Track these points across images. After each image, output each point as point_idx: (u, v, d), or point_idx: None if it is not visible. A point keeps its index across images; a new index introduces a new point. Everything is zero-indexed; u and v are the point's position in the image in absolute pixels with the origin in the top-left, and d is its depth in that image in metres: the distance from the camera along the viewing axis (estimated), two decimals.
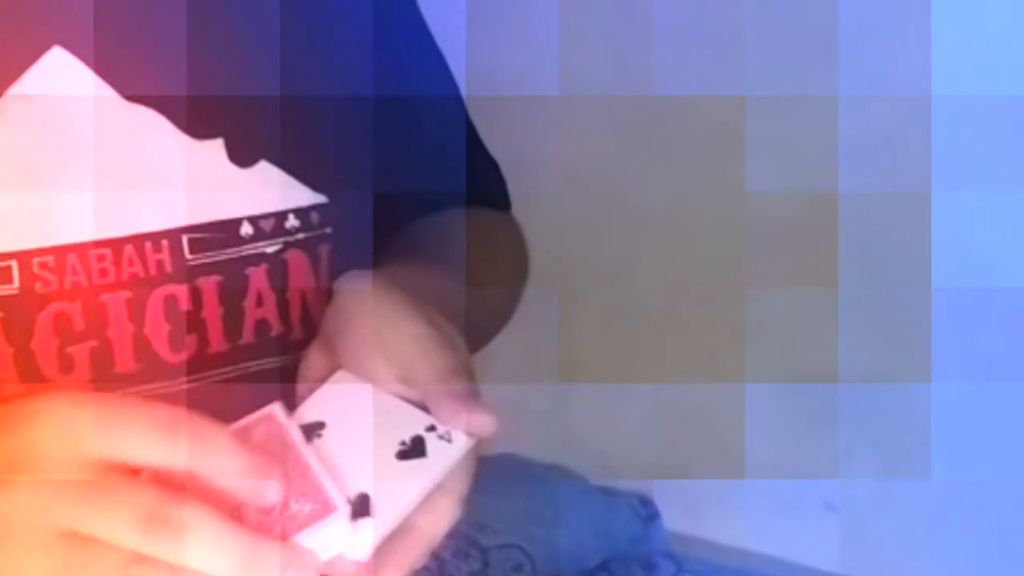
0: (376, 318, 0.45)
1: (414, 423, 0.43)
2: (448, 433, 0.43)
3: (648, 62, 1.52)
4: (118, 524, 0.36)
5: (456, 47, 0.69)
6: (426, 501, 0.42)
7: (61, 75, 0.47)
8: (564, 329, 1.58)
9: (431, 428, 0.43)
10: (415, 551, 0.41)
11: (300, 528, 0.40)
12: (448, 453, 0.42)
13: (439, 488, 0.42)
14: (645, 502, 1.56)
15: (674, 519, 1.59)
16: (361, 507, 0.41)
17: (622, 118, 1.58)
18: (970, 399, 1.40)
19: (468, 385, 0.43)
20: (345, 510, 0.40)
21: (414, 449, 0.43)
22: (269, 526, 0.40)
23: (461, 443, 0.43)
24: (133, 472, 0.38)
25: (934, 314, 1.40)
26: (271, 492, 0.39)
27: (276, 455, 0.41)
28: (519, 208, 0.86)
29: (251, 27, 0.53)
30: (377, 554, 0.40)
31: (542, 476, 1.57)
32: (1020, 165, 1.32)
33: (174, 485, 0.38)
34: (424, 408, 0.43)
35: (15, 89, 0.46)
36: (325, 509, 0.40)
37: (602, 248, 1.62)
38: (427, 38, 0.66)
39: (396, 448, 0.42)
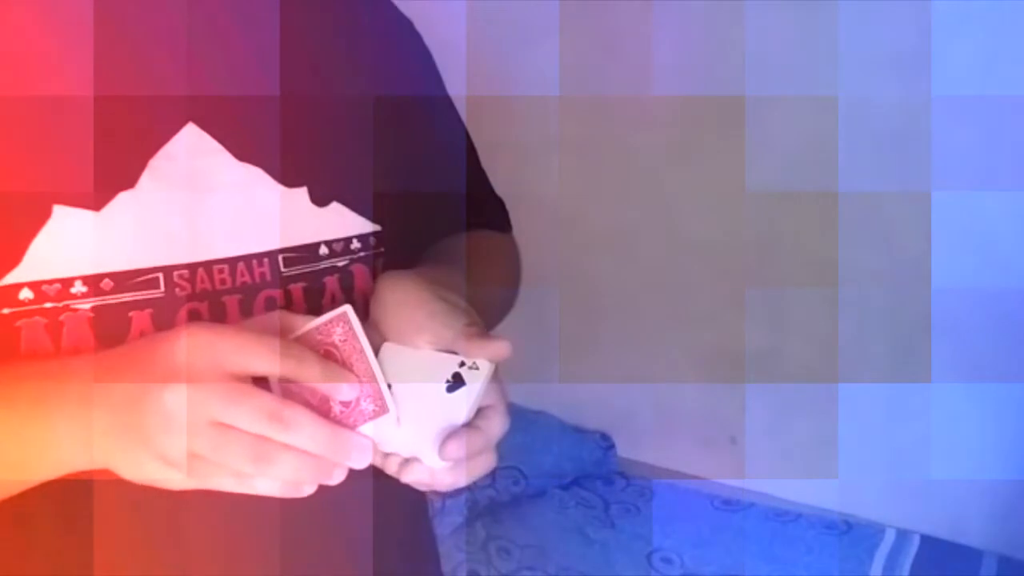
0: (408, 303, 0.52)
1: (450, 365, 0.50)
2: (475, 363, 0.49)
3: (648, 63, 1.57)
4: (249, 418, 0.43)
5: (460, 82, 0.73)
6: (480, 413, 0.50)
7: (193, 143, 0.54)
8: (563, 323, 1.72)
9: (462, 364, 0.50)
10: (480, 442, 0.49)
11: (365, 421, 0.47)
12: (479, 376, 0.49)
13: (488, 406, 0.50)
14: (605, 436, 1.85)
15: (624, 449, 1.85)
16: (456, 381, 0.49)
17: (620, 120, 1.65)
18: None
19: (481, 330, 0.50)
20: (395, 413, 0.47)
21: (456, 382, 0.49)
22: (345, 419, 0.47)
23: (486, 367, 0.50)
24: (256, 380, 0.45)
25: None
26: (345, 391, 0.47)
27: (351, 358, 0.48)
28: (532, 196, 0.97)
29: (339, 115, 0.60)
30: (454, 446, 0.48)
31: (533, 419, 1.82)
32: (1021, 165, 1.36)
33: (294, 387, 0.46)
34: (454, 354, 0.50)
35: (162, 152, 0.53)
36: (382, 410, 0.47)
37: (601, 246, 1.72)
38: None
39: (444, 385, 0.49)
